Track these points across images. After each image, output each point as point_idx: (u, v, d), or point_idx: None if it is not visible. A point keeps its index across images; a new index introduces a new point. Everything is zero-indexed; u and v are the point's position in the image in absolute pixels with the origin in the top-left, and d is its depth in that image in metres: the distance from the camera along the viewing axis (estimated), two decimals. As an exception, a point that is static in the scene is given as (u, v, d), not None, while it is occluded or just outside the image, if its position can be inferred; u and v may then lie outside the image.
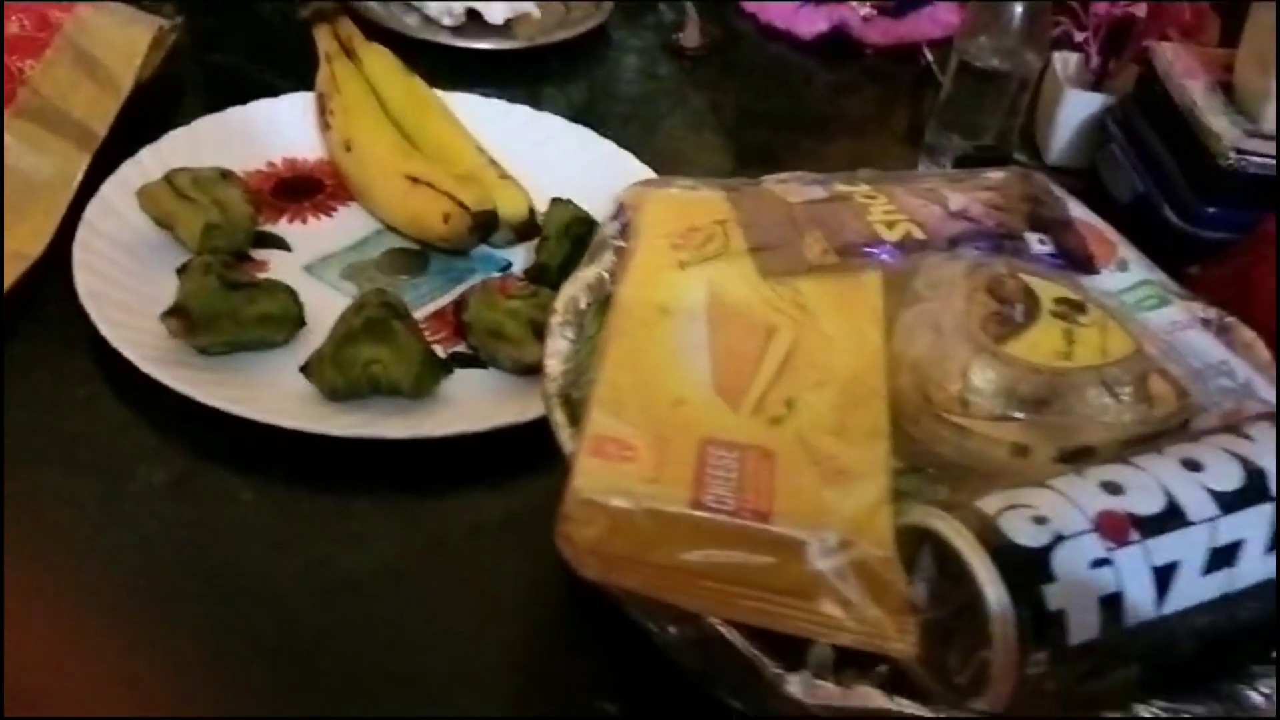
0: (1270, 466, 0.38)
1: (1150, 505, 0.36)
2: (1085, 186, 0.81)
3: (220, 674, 0.46)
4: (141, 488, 0.52)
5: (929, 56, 0.96)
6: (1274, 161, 0.66)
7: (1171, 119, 0.71)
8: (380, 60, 0.72)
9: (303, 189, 0.71)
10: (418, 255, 0.67)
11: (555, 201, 0.67)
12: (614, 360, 0.42)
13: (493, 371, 0.60)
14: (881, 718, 0.35)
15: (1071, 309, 0.44)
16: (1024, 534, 0.34)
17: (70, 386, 0.57)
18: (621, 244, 0.50)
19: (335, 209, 0.70)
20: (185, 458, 0.54)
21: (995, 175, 0.55)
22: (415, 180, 0.64)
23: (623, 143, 0.76)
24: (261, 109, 0.74)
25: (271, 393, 0.56)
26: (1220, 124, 0.67)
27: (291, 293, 0.59)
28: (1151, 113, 0.74)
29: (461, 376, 0.59)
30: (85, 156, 0.67)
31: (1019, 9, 0.74)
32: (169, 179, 0.64)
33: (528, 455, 0.52)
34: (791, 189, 0.52)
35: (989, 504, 0.36)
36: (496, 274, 0.67)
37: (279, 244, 0.67)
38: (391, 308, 0.57)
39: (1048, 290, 0.45)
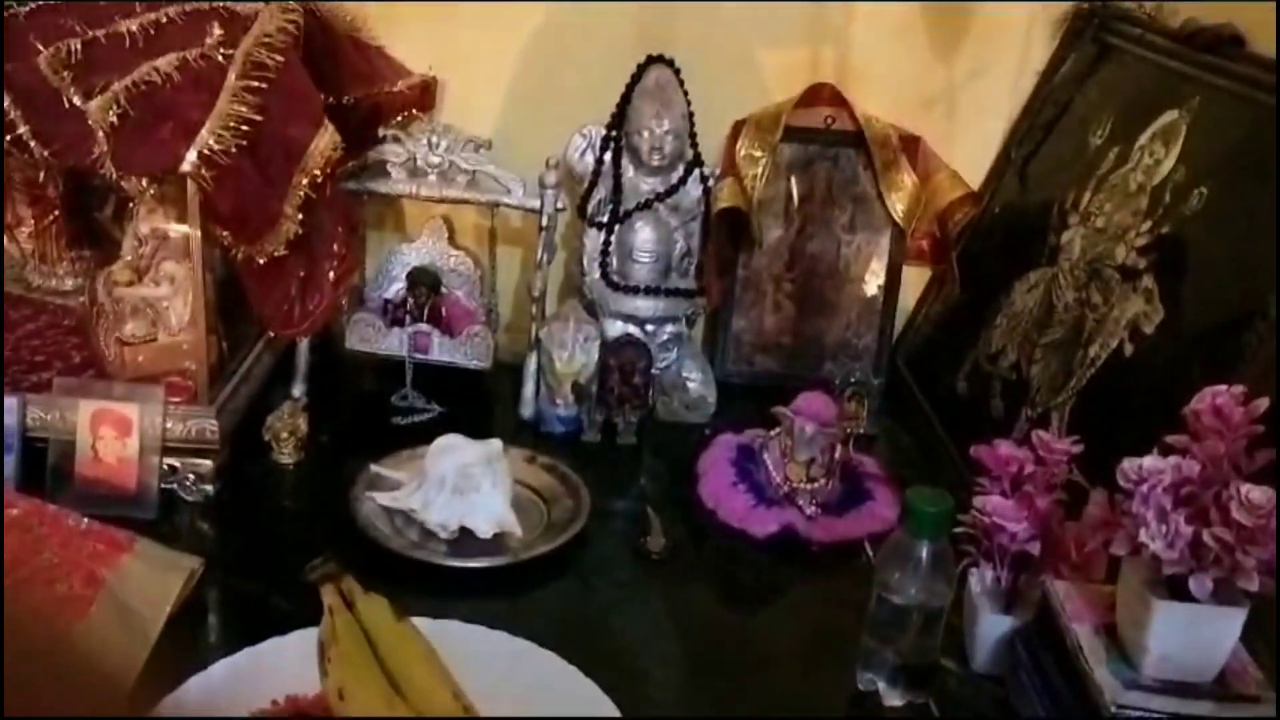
0: None
1: None
2: (1007, 694, 0.90)
3: None
4: None
5: (870, 552, 1.08)
6: (1156, 707, 0.75)
7: (1066, 656, 0.81)
8: (376, 609, 0.84)
9: (299, 727, 0.81)
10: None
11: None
12: None
13: None
14: None
15: None
16: None
17: None
18: None
19: (327, 746, 0.79)
20: None
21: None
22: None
23: (587, 656, 0.86)
24: (268, 650, 0.85)
25: None
26: (1104, 675, 0.77)
27: None
28: (1050, 645, 0.84)
29: None
30: (110, 708, 0.77)
31: (925, 551, 0.86)
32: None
33: None
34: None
35: None
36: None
37: (272, 792, 0.75)
38: None
39: None
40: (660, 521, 1.09)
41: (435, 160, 1.25)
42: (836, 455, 1.14)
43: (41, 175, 1.05)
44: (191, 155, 0.89)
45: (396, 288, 1.33)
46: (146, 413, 1.01)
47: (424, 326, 1.27)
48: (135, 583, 0.86)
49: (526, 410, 1.28)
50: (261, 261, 0.97)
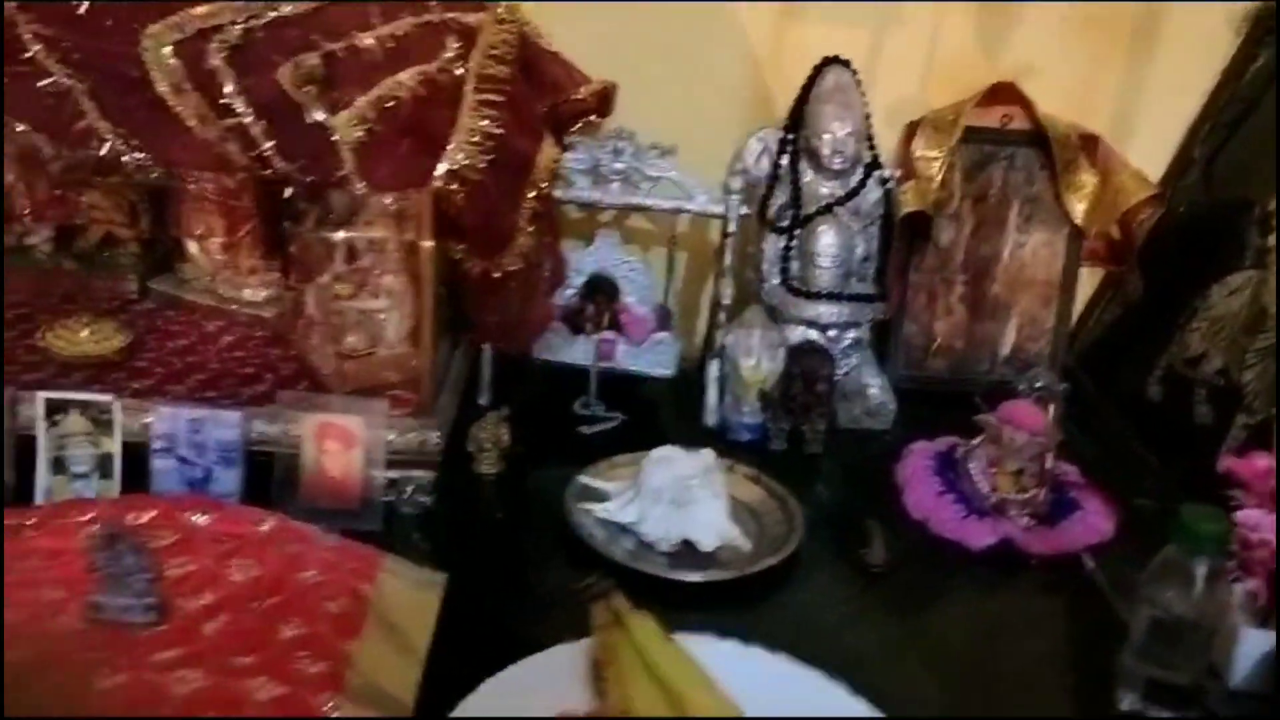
0: None
1: None
2: (1274, 715, 0.88)
3: None
4: None
5: (1090, 564, 1.06)
6: None
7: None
8: (646, 629, 0.83)
9: (577, 748, 0.80)
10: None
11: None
12: None
13: None
14: None
15: None
16: None
17: None
18: None
19: (606, 773, 0.79)
20: None
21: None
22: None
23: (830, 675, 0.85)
24: (531, 667, 0.84)
25: None
26: None
27: None
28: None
29: None
30: (401, 729, 0.77)
31: (1201, 568, 0.84)
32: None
33: None
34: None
35: None
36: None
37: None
38: None
39: None
40: (881, 533, 1.07)
41: (619, 167, 1.24)
42: (1046, 464, 1.12)
43: (267, 190, 1.04)
44: (441, 171, 0.88)
45: (570, 294, 1.32)
46: (370, 425, 1.01)
47: (609, 334, 1.26)
48: (395, 600, 0.85)
49: (710, 418, 1.27)
50: (495, 275, 0.97)
